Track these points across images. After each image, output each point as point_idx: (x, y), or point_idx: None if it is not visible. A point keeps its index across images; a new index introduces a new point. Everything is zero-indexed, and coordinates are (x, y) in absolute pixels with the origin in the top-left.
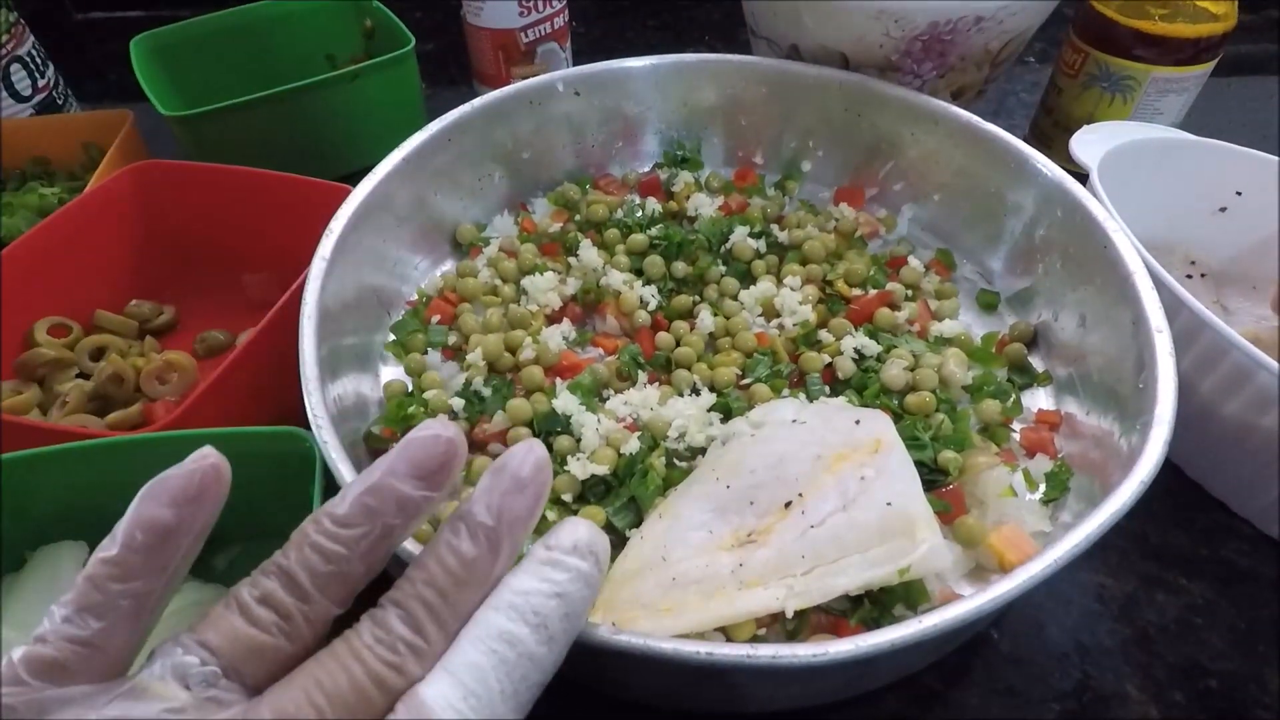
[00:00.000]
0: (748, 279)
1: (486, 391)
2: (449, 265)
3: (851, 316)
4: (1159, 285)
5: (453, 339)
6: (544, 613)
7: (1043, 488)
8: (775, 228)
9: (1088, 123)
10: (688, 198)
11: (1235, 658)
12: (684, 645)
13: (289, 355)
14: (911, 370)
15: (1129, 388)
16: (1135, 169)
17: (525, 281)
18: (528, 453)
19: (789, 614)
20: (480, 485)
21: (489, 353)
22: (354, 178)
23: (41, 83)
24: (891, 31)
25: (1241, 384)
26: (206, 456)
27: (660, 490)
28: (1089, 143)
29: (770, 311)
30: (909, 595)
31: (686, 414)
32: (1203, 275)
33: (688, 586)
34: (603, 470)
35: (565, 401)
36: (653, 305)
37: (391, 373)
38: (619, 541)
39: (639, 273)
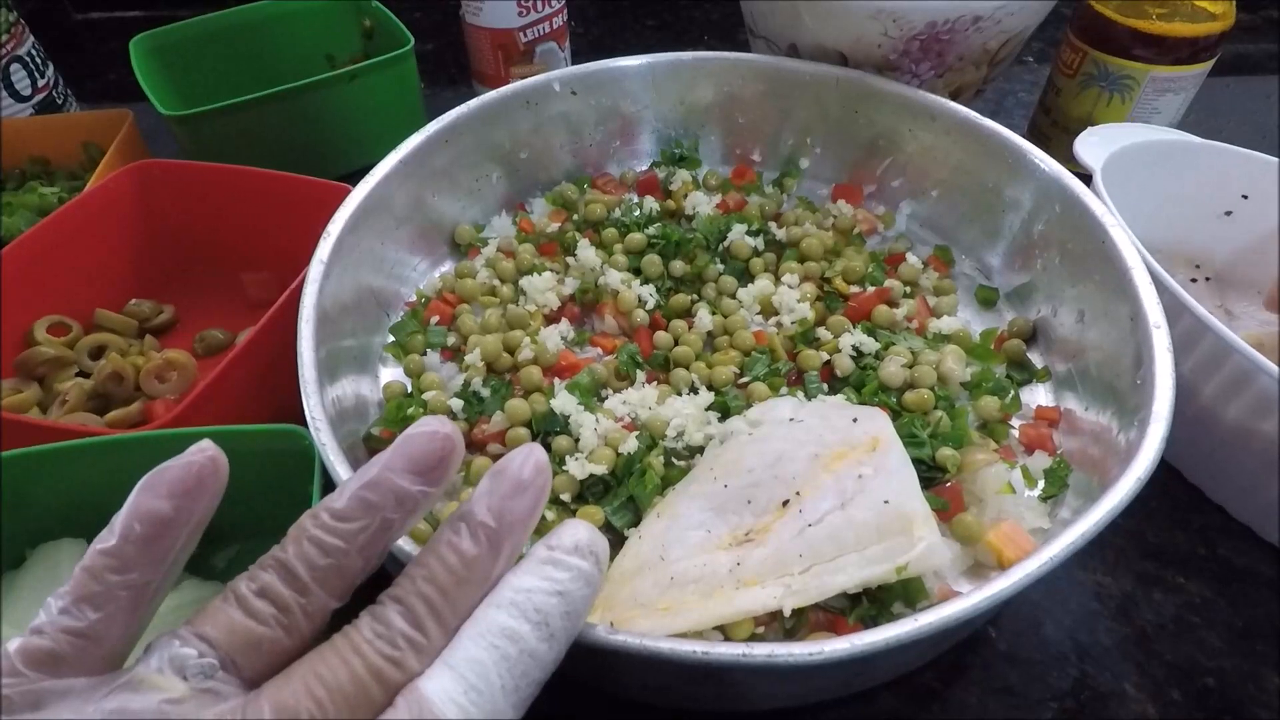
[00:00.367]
0: (746, 277)
1: (485, 392)
2: (447, 266)
3: (850, 314)
4: (1161, 288)
5: (451, 340)
6: (545, 610)
7: (1041, 484)
8: (773, 225)
9: (1086, 122)
10: (685, 196)
11: (1233, 656)
12: (680, 644)
13: (288, 354)
14: (910, 367)
15: (1127, 384)
16: (1139, 171)
17: (523, 282)
18: (528, 455)
19: (787, 612)
20: (481, 487)
21: (487, 353)
22: (353, 177)
23: (41, 82)
24: (890, 31)
25: (1242, 387)
26: (204, 449)
27: (658, 489)
28: (1093, 144)
29: (768, 309)
30: (907, 593)
31: (685, 413)
32: (1207, 279)
33: (686, 585)
34: (601, 470)
35: (563, 401)
36: (651, 304)
37: (390, 374)
38: (617, 541)
39: (637, 272)
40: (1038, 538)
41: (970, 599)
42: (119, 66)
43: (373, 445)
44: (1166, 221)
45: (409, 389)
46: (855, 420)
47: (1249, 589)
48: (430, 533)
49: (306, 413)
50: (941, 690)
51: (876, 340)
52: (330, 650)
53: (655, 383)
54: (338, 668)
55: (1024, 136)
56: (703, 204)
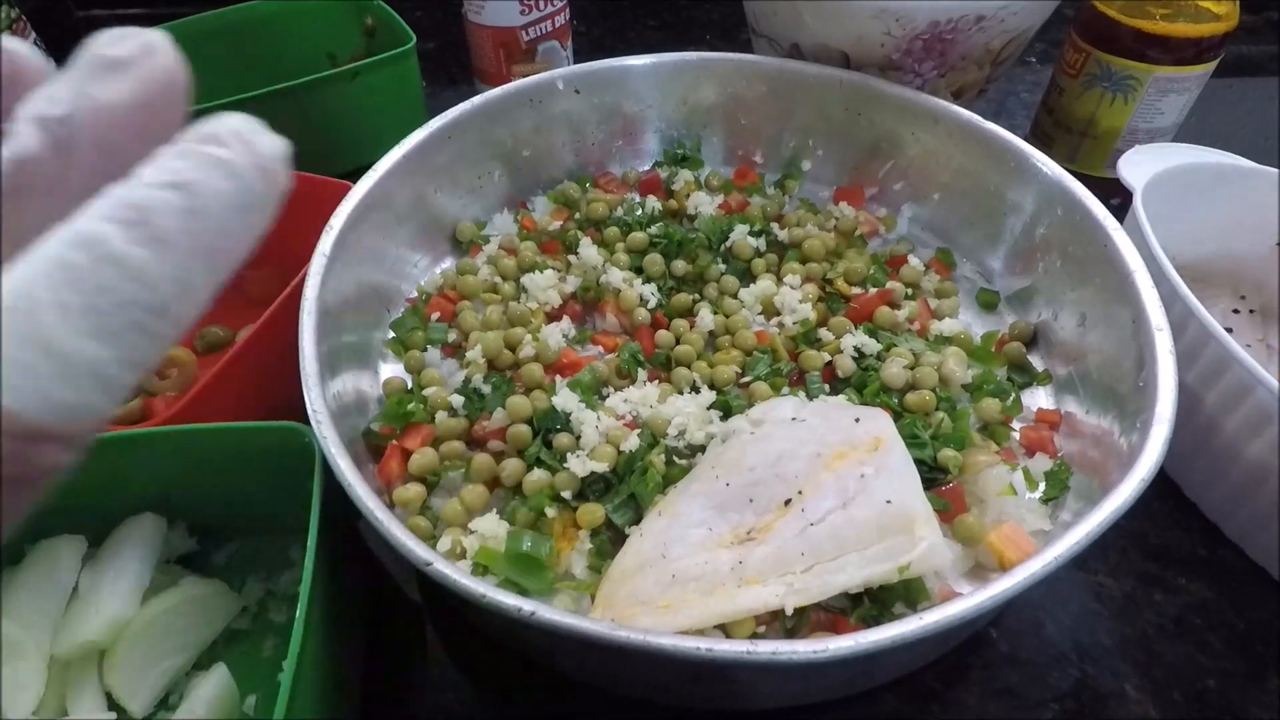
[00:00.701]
0: (747, 277)
1: (486, 388)
2: (448, 263)
3: (851, 315)
4: (1174, 295)
5: (452, 336)
6: (147, 206)
7: (1042, 486)
8: (775, 226)
9: (1089, 122)
10: (688, 196)
11: (1234, 658)
12: (684, 641)
13: (289, 351)
14: (911, 369)
15: (1129, 386)
16: (1184, 193)
17: (525, 279)
18: (130, 33)
19: (788, 611)
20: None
21: (489, 350)
22: (354, 175)
23: None
24: (892, 30)
25: (1241, 400)
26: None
27: (660, 488)
28: (1137, 163)
29: (770, 310)
30: (908, 593)
31: (686, 412)
32: (1251, 311)
33: (687, 583)
34: (602, 467)
35: (565, 399)
36: (652, 303)
37: (391, 370)
38: (618, 539)
39: (639, 271)
40: (1038, 539)
41: (975, 598)
42: None
43: (373, 440)
44: (1210, 248)
45: (409, 385)
46: (857, 420)
47: (1250, 590)
48: (429, 529)
49: (308, 406)
50: (942, 691)
51: (878, 341)
52: None
53: (656, 381)
54: None
55: (1026, 137)
56: (705, 204)
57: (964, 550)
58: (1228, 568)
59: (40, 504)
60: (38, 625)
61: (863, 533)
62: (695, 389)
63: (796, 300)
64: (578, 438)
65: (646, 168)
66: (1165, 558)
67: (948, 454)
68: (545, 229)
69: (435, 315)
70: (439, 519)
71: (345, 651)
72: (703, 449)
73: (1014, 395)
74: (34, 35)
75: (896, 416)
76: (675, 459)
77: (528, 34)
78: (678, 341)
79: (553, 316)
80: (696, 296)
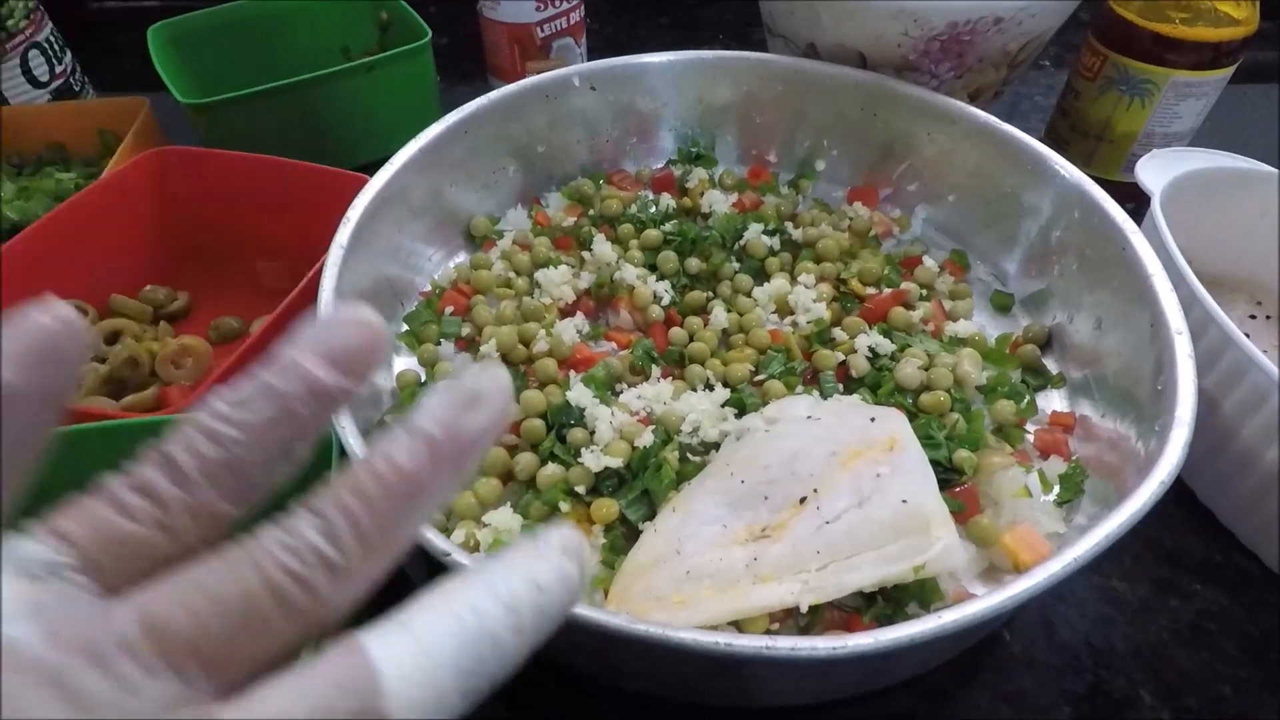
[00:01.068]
0: (761, 276)
1: None
2: (462, 257)
3: (865, 315)
4: (1193, 299)
5: (466, 330)
6: (518, 596)
7: (1057, 489)
8: (789, 225)
9: (1105, 126)
10: (702, 194)
11: (1249, 665)
12: (703, 635)
13: None
14: (926, 369)
15: (1146, 391)
16: (1201, 198)
17: (539, 274)
18: (488, 370)
19: (803, 609)
20: (428, 399)
21: (503, 344)
22: (367, 169)
23: (59, 69)
24: (910, 31)
25: (1259, 405)
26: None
27: (674, 484)
28: (1154, 167)
29: (784, 308)
30: (922, 593)
31: (700, 409)
32: (1268, 318)
33: (701, 580)
34: (616, 463)
35: (579, 394)
36: (666, 300)
37: (404, 363)
38: (632, 535)
39: (653, 268)
40: (1053, 542)
41: (995, 598)
42: (135, 56)
43: None
44: (1229, 254)
45: (423, 378)
46: (873, 420)
47: (1265, 597)
48: (442, 522)
49: None
50: (955, 691)
51: (892, 342)
52: (217, 557)
53: (670, 378)
54: (224, 576)
55: (1041, 140)
56: (719, 202)
57: (978, 552)
58: (1243, 574)
59: (55, 490)
60: None
61: (878, 532)
62: (709, 386)
63: (811, 299)
64: (592, 433)
65: (660, 165)
66: (1180, 563)
67: (962, 455)
68: (559, 225)
69: (449, 309)
70: (452, 512)
71: None
72: (716, 446)
73: (1028, 397)
74: (50, 26)
75: (911, 417)
76: (689, 456)
77: (543, 30)
78: (691, 339)
79: (566, 312)
80: (710, 294)
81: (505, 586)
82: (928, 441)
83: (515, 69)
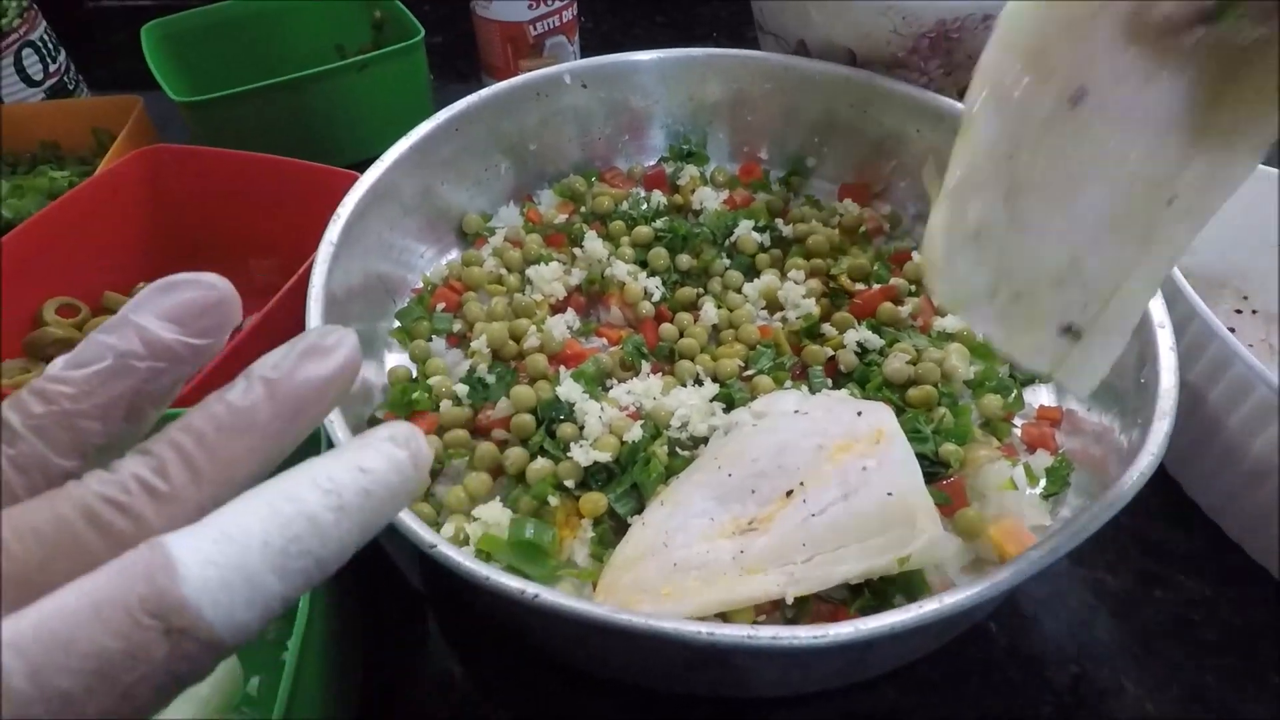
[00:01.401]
0: (751, 272)
1: (490, 378)
2: (454, 254)
3: (854, 310)
4: (1177, 294)
5: (457, 327)
6: (338, 479)
7: (1043, 482)
8: (780, 222)
9: None
10: (693, 191)
11: (1233, 655)
12: (686, 625)
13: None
14: (914, 364)
15: (1130, 384)
16: None
17: (530, 271)
18: (335, 328)
19: (789, 601)
20: (273, 351)
21: (493, 340)
22: (360, 168)
23: (53, 68)
24: (899, 28)
25: (1242, 397)
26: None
27: (662, 478)
28: None
29: (774, 304)
30: (909, 586)
31: (689, 404)
32: (1254, 312)
33: (688, 572)
34: (605, 457)
35: (569, 389)
36: (657, 297)
37: (396, 359)
38: (620, 528)
39: (643, 264)
40: (1038, 534)
41: (975, 587)
42: (128, 55)
43: None
44: (1212, 250)
45: (414, 374)
46: (860, 414)
47: (1249, 588)
48: (433, 516)
49: None
50: (941, 684)
51: (881, 337)
52: (36, 499)
53: (660, 374)
54: (37, 510)
55: None
56: (710, 199)
57: (964, 544)
58: (1228, 566)
59: None
60: None
61: (864, 524)
62: (698, 382)
63: (800, 295)
64: (581, 428)
65: (652, 163)
66: (1165, 555)
67: (949, 449)
68: (551, 222)
69: (440, 306)
70: (442, 506)
71: (348, 636)
72: (705, 441)
73: (1016, 392)
74: (44, 24)
75: (899, 411)
76: (678, 450)
77: (535, 29)
78: (681, 335)
79: (557, 308)
80: (700, 290)
81: (324, 473)
82: (915, 435)
83: (508, 67)
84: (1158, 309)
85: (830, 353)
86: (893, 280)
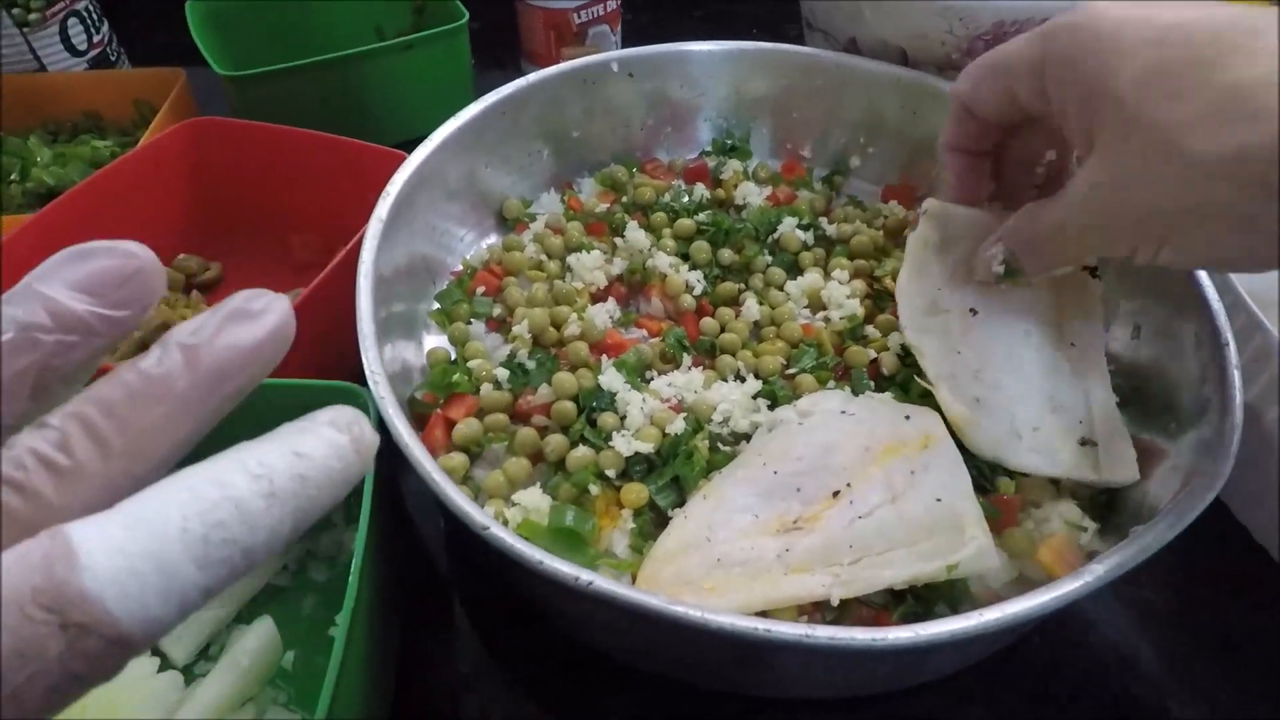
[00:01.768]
0: (794, 270)
1: (531, 364)
2: (493, 239)
3: (898, 313)
4: (1240, 308)
5: (497, 311)
6: (270, 464)
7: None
8: (824, 221)
9: None
10: (736, 186)
11: (1278, 681)
12: (742, 621)
13: (339, 318)
14: None
15: (1187, 402)
16: None
17: (571, 259)
18: (264, 292)
19: (834, 602)
20: (194, 317)
21: (535, 325)
22: (400, 148)
23: (96, 38)
24: (955, 29)
25: None
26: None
27: (704, 472)
28: None
29: (816, 304)
30: (952, 594)
31: (731, 398)
32: None
33: (731, 568)
34: (647, 448)
35: (611, 378)
36: (698, 290)
37: (434, 341)
38: (660, 521)
39: (685, 257)
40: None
41: (1037, 598)
42: (169, 29)
43: (417, 409)
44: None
45: (453, 356)
46: (907, 417)
47: None
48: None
49: (365, 367)
50: (980, 694)
51: None
52: None
53: (701, 368)
54: None
55: None
56: (753, 195)
57: (1009, 560)
58: (1276, 592)
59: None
60: None
61: (911, 529)
62: (740, 378)
63: (844, 295)
64: (623, 418)
65: (692, 156)
66: (1212, 577)
67: (1004, 482)
68: (592, 210)
69: (480, 289)
70: (480, 490)
71: (389, 617)
72: (747, 437)
73: None
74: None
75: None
76: (719, 445)
77: (579, 17)
78: (722, 329)
79: (597, 298)
80: (742, 286)
81: (255, 457)
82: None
83: (550, 55)
84: (1223, 327)
85: (873, 355)
86: None
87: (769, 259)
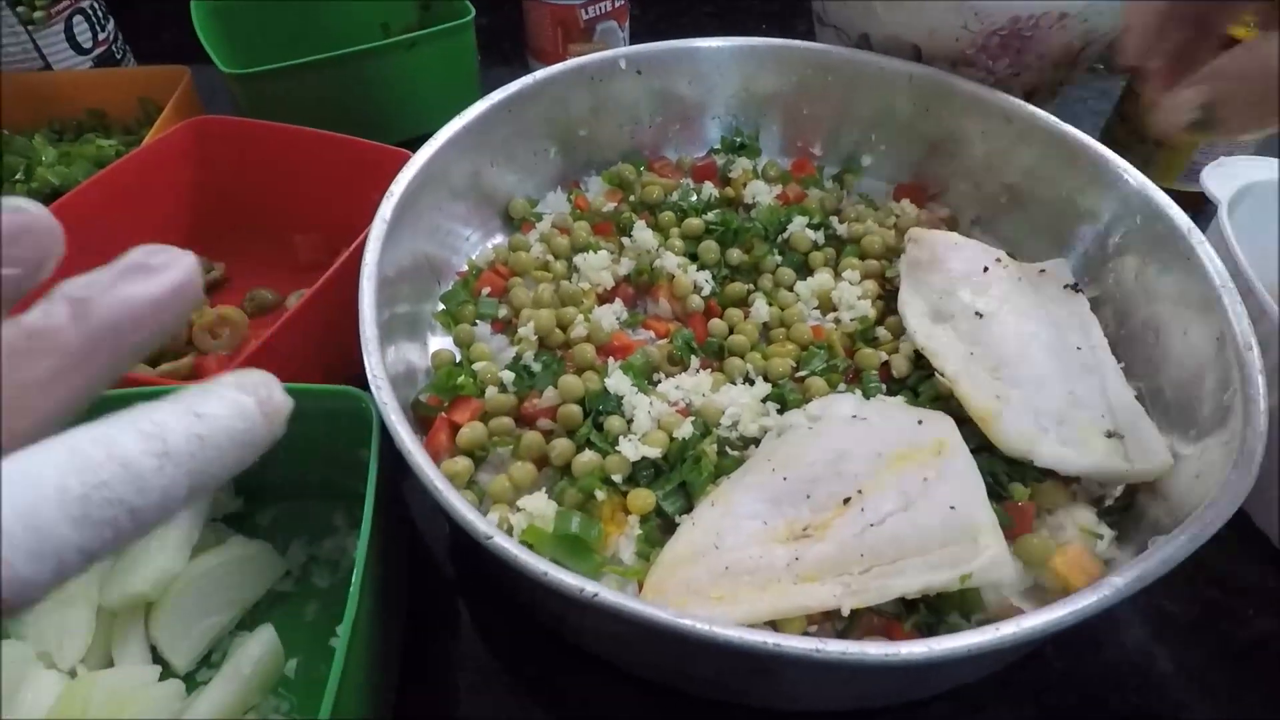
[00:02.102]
0: (804, 270)
1: (537, 366)
2: (499, 239)
3: None
4: (1263, 313)
5: (503, 312)
6: (164, 424)
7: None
8: (834, 220)
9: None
10: (745, 185)
11: None
12: (750, 634)
13: (341, 318)
14: None
15: (1208, 406)
16: (1268, 208)
17: (578, 259)
18: (166, 247)
19: (845, 612)
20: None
21: (541, 327)
22: (406, 146)
23: (101, 36)
24: (970, 24)
25: None
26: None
27: (712, 478)
28: (1221, 176)
29: (826, 305)
30: (964, 603)
31: (740, 402)
32: None
33: (740, 576)
34: (654, 453)
35: (617, 381)
36: (707, 291)
37: (439, 342)
38: (667, 527)
39: (693, 257)
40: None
41: (1054, 612)
42: (174, 27)
43: (421, 411)
44: None
45: (458, 358)
46: (920, 422)
47: None
48: (475, 504)
49: (368, 371)
50: (993, 706)
51: None
52: None
53: (709, 370)
54: None
55: None
56: (763, 193)
57: (1024, 569)
58: None
59: None
60: (87, 575)
61: (924, 538)
62: (749, 380)
63: (855, 296)
64: (629, 422)
65: (701, 154)
66: (1231, 587)
67: (1019, 489)
68: (599, 210)
69: (486, 290)
70: (485, 494)
71: (390, 621)
72: (756, 441)
73: None
74: None
75: (958, 421)
76: (728, 450)
77: (587, 13)
78: (731, 331)
79: (604, 298)
80: (751, 287)
81: (149, 417)
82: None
83: (557, 51)
84: (1246, 330)
85: (885, 357)
86: None
87: (778, 259)
